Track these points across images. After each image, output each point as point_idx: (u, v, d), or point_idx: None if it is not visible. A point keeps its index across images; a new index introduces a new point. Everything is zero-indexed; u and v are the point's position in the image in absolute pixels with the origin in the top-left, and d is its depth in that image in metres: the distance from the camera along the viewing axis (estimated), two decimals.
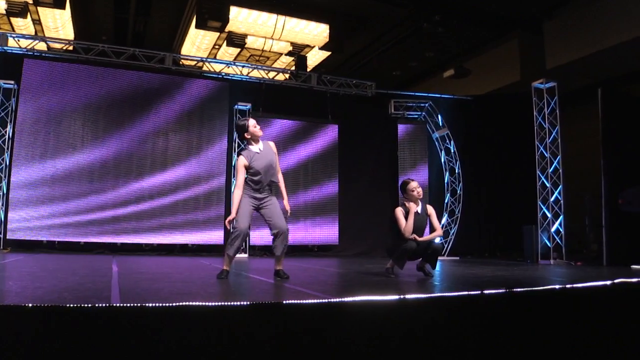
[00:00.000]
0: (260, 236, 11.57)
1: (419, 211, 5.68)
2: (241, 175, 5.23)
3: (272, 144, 5.61)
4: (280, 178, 5.56)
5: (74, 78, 10.57)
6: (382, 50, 12.85)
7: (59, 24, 11.16)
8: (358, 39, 12.26)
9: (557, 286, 4.12)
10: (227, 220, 5.19)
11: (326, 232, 12.16)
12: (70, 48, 10.61)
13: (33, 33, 11.23)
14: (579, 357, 3.25)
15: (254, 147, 5.38)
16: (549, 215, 10.00)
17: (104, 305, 2.43)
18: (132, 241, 10.70)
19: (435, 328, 2.95)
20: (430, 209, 5.84)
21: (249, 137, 5.38)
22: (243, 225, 5.15)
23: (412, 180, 5.84)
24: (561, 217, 9.93)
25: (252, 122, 5.38)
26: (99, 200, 10.48)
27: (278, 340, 2.49)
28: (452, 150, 12.61)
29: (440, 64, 13.17)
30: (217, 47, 12.40)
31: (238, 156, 5.41)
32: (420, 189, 5.76)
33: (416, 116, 12.76)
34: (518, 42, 11.95)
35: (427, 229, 5.92)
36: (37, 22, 11.10)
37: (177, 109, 11.30)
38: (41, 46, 10.54)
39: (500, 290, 3.47)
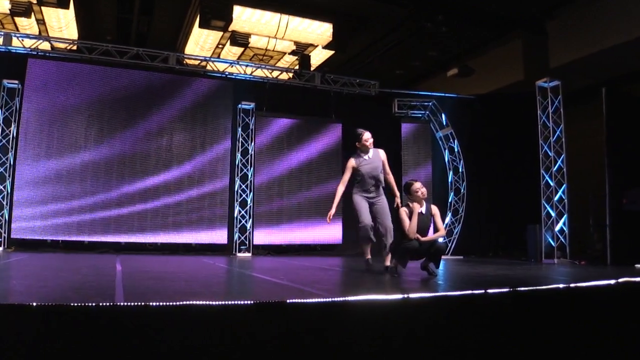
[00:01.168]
0: (263, 236, 11.60)
1: (423, 211, 5.67)
2: (347, 174, 6.21)
3: (381, 152, 6.28)
4: (390, 179, 6.28)
5: (78, 78, 10.60)
6: (384, 50, 12.82)
7: (63, 24, 11.16)
8: (361, 38, 12.22)
9: (561, 285, 4.11)
10: (328, 216, 6.04)
11: (330, 231, 12.15)
12: (74, 48, 10.62)
13: (37, 33, 11.23)
14: (582, 357, 3.25)
15: (364, 155, 6.20)
16: (552, 214, 9.98)
17: (108, 304, 2.43)
18: (136, 240, 10.72)
19: (438, 327, 2.95)
20: (434, 209, 5.83)
21: (359, 146, 6.21)
22: (367, 220, 6.01)
23: (416, 181, 5.85)
24: (565, 216, 9.91)
25: (366, 136, 6.17)
26: (103, 199, 10.51)
27: (281, 340, 2.49)
28: (455, 150, 12.60)
29: (443, 63, 13.12)
30: (220, 46, 12.39)
31: (349, 159, 6.30)
32: (424, 189, 5.75)
33: (420, 115, 12.74)
34: (521, 42, 11.92)
35: (431, 229, 5.91)
36: (41, 22, 11.10)
37: (180, 109, 11.31)
38: (45, 46, 10.55)
39: (504, 290, 3.47)
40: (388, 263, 6.01)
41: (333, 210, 6.04)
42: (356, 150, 6.30)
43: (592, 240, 10.18)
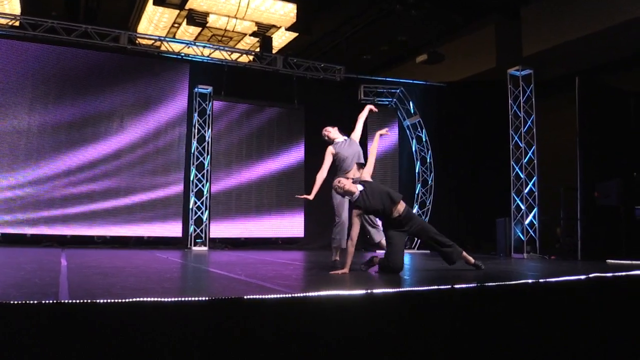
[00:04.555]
0: (221, 228, 11.55)
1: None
2: (327, 161, 6.43)
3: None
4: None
5: (20, 57, 10.30)
6: (351, 33, 12.85)
7: None
8: (326, 20, 12.23)
9: (530, 280, 4.21)
10: (304, 196, 6.25)
11: (291, 224, 12.18)
12: (17, 24, 10.33)
13: None
14: (552, 353, 3.33)
15: (338, 140, 6.58)
16: (522, 207, 10.18)
17: (51, 301, 2.39)
18: (84, 233, 10.53)
19: (403, 324, 2.99)
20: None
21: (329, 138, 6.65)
22: (345, 217, 6.31)
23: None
24: (535, 209, 10.12)
25: (326, 131, 6.69)
26: (47, 188, 10.27)
27: (238, 338, 2.49)
28: (423, 139, 12.72)
29: (413, 48, 13.21)
30: (176, 25, 12.22)
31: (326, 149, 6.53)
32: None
33: (387, 103, 12.82)
34: (494, 28, 12.08)
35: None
36: None
37: (132, 92, 11.13)
38: None
39: (471, 285, 3.53)
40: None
41: (310, 197, 6.12)
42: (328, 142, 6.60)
43: (557, 235, 10.44)
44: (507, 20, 11.72)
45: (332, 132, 6.67)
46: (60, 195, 10.36)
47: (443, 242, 5.50)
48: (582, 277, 4.31)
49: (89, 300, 2.42)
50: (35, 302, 2.32)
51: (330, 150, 6.43)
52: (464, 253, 5.65)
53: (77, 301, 2.43)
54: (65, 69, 10.63)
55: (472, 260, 5.67)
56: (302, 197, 6.22)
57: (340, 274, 5.13)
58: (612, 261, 7.94)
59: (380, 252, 5.76)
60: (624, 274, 4.92)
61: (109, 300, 2.43)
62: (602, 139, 9.36)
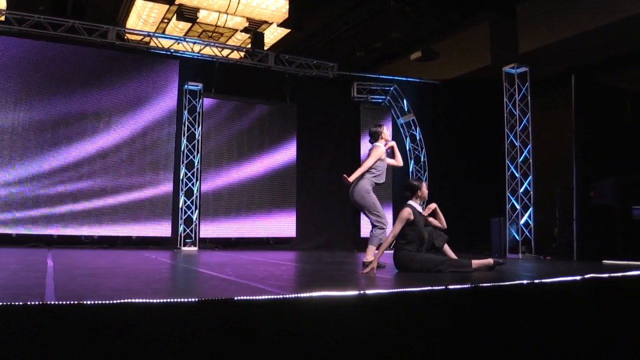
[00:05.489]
0: (211, 228, 11.53)
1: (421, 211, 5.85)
2: (373, 160, 6.26)
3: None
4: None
5: (5, 52, 10.25)
6: (344, 30, 12.83)
7: None
8: (319, 16, 12.20)
9: (525, 281, 4.22)
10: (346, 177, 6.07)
11: (283, 224, 12.17)
12: (2, 18, 10.26)
13: None
14: (547, 354, 3.35)
15: (382, 147, 6.41)
16: (518, 207, 10.22)
17: (37, 303, 2.38)
18: (70, 233, 10.49)
19: (396, 325, 2.99)
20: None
21: (383, 137, 6.45)
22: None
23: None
24: (530, 209, 10.16)
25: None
26: (32, 188, 10.22)
27: (228, 339, 2.49)
28: (417, 138, 12.75)
29: (407, 46, 13.20)
30: (165, 21, 12.17)
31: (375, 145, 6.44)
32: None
33: (380, 100, 12.83)
34: (489, 25, 12.10)
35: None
36: None
37: (120, 88, 11.09)
38: None
39: (465, 286, 3.54)
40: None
41: (350, 180, 6.08)
42: (378, 139, 6.47)
43: (554, 235, 10.47)
44: (503, 17, 11.73)
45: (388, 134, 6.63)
46: (47, 195, 10.31)
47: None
48: (578, 277, 4.32)
49: (76, 302, 2.41)
50: (21, 303, 2.31)
51: (382, 151, 6.35)
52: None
53: (64, 302, 2.42)
54: (51, 65, 10.58)
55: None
56: (344, 178, 6.09)
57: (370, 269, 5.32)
58: (608, 261, 7.98)
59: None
60: (620, 274, 4.94)
61: (96, 302, 2.42)
62: (598, 137, 9.40)
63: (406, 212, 5.58)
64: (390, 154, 6.62)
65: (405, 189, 5.97)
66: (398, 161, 6.62)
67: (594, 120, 9.43)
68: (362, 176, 6.23)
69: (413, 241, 5.61)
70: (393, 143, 6.64)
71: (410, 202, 5.78)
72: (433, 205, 5.90)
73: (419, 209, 5.78)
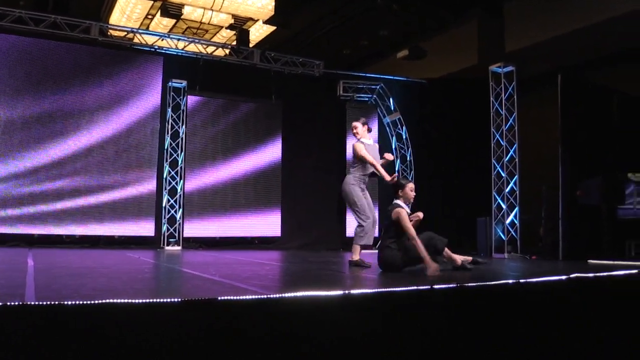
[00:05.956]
0: (195, 227, 11.49)
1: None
2: (368, 155, 6.39)
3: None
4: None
5: None
6: (330, 27, 12.83)
7: None
8: (305, 13, 12.19)
9: (510, 281, 4.25)
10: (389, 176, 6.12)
11: (267, 223, 12.16)
12: None
13: None
14: (532, 354, 3.37)
15: (365, 141, 6.54)
16: (504, 206, 10.28)
17: (17, 303, 2.37)
18: (51, 232, 10.40)
19: (381, 325, 3.00)
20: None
21: (359, 135, 6.57)
22: (372, 215, 6.34)
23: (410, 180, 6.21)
24: (516, 208, 10.23)
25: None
26: (12, 186, 10.13)
27: (212, 340, 2.48)
28: (403, 137, 12.78)
29: (394, 44, 13.23)
30: (150, 17, 12.11)
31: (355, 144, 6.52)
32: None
33: (366, 99, 12.85)
34: (476, 24, 12.15)
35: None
36: None
37: (103, 85, 11.02)
38: None
39: (450, 285, 3.56)
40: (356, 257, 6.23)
41: (388, 178, 6.09)
42: (355, 137, 6.59)
43: (540, 235, 10.55)
44: (490, 16, 11.79)
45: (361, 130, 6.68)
46: (27, 193, 10.21)
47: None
48: (563, 277, 4.36)
49: (57, 302, 2.40)
50: (0, 304, 2.29)
51: (362, 146, 6.44)
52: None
53: (45, 303, 2.41)
54: (33, 62, 10.49)
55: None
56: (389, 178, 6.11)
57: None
58: (594, 261, 8.05)
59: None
60: (605, 274, 4.99)
61: (78, 302, 2.41)
62: (585, 137, 9.46)
63: (403, 212, 5.61)
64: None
65: (392, 186, 6.00)
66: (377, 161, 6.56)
67: (581, 120, 9.48)
68: (348, 171, 6.54)
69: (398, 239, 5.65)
70: (392, 157, 6.80)
71: (397, 201, 5.79)
72: (420, 215, 5.91)
73: (407, 209, 5.79)
